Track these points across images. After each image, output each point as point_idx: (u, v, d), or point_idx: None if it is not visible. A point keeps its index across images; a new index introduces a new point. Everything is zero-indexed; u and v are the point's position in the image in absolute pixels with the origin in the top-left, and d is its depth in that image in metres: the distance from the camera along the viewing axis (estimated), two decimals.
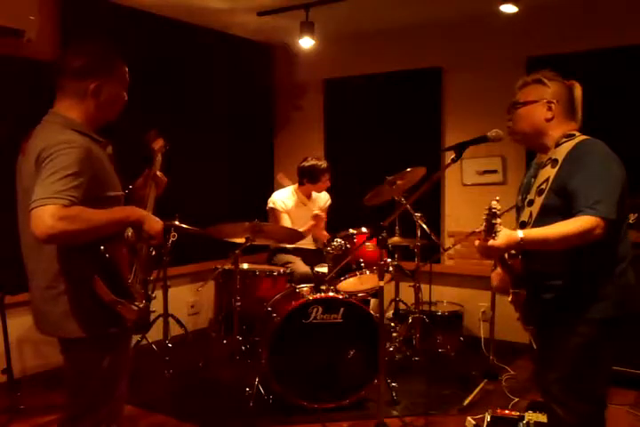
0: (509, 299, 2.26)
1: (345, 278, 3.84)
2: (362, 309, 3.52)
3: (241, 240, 3.66)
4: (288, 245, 4.48)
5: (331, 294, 3.54)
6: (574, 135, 2.16)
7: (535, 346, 2.34)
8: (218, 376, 3.91)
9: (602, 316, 2.08)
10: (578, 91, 2.23)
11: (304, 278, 4.05)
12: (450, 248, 4.66)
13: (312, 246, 4.64)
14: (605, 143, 2.14)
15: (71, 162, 1.81)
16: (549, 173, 2.11)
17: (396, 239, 4.32)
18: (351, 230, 3.96)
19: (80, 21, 4.15)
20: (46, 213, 1.71)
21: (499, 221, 1.96)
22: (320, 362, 3.46)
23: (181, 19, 4.86)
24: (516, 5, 3.98)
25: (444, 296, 4.94)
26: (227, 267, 3.97)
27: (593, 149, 2.09)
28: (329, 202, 4.71)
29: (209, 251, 4.86)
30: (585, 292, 2.10)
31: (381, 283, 2.95)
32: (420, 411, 3.45)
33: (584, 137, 2.15)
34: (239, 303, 3.62)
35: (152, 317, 3.55)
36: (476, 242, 2.07)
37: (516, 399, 3.56)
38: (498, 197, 1.98)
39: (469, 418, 3.25)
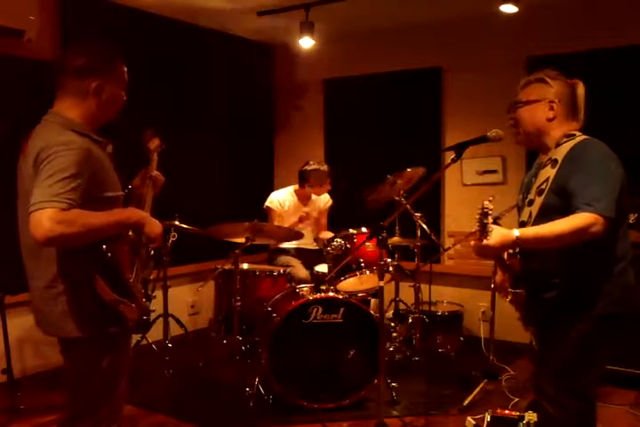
0: (508, 299, 2.27)
1: (345, 278, 3.84)
2: (362, 309, 3.52)
3: (241, 240, 3.66)
4: (288, 245, 4.49)
5: (331, 294, 3.54)
6: (574, 135, 2.16)
7: (536, 346, 2.34)
8: (218, 376, 3.91)
9: (599, 312, 2.08)
10: (580, 90, 2.22)
11: (303, 283, 4.05)
12: (450, 248, 4.66)
13: (312, 246, 4.64)
14: (606, 143, 2.14)
15: (69, 164, 1.80)
16: (549, 173, 2.11)
17: (396, 239, 4.32)
18: (351, 230, 3.96)
19: (80, 21, 4.15)
20: (44, 217, 1.71)
21: (490, 220, 1.96)
22: (320, 362, 3.46)
23: (181, 19, 4.86)
24: (516, 5, 3.98)
25: (444, 296, 4.94)
26: (227, 267, 3.96)
27: (592, 149, 2.09)
28: (330, 203, 4.71)
29: (209, 251, 4.86)
30: (583, 290, 2.10)
31: (381, 283, 2.94)
32: (420, 411, 3.45)
33: (584, 137, 2.15)
34: (239, 303, 3.63)
35: (152, 317, 3.56)
36: (472, 242, 2.07)
37: (516, 399, 3.56)
38: (491, 197, 1.98)
39: (469, 418, 3.25)
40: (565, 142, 2.14)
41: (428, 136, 5.11)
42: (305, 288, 3.70)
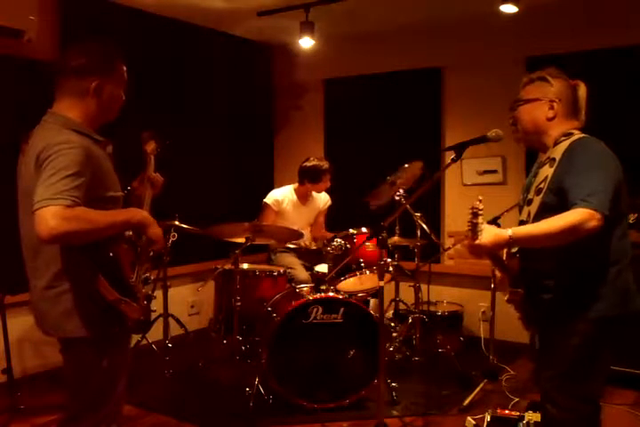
0: (506, 298, 2.27)
1: (345, 278, 3.84)
2: (362, 309, 3.52)
3: (241, 240, 3.66)
4: (288, 245, 4.48)
5: (331, 294, 3.54)
6: (572, 134, 2.16)
7: (537, 346, 2.34)
8: (218, 376, 3.91)
9: (598, 315, 2.07)
10: (582, 90, 2.22)
11: (303, 284, 4.05)
12: (450, 248, 4.67)
13: (312, 246, 4.64)
14: (606, 143, 2.13)
15: (71, 162, 1.81)
16: (547, 172, 2.11)
17: (396, 239, 4.31)
18: (351, 230, 3.96)
19: (80, 21, 4.15)
20: (50, 214, 1.71)
21: (480, 220, 1.96)
22: (320, 362, 3.46)
23: (181, 19, 4.86)
24: (516, 5, 3.98)
25: (444, 296, 4.94)
26: (227, 267, 3.96)
27: (588, 147, 2.09)
28: (329, 203, 4.71)
29: (209, 251, 4.86)
30: (581, 291, 2.10)
31: (381, 283, 2.94)
32: (419, 411, 3.45)
33: (581, 135, 2.15)
34: (239, 303, 3.62)
35: (152, 316, 3.56)
36: (465, 242, 2.07)
37: (516, 399, 3.56)
38: (480, 198, 1.98)
39: (469, 418, 3.25)
40: (563, 141, 2.14)
41: (428, 136, 5.10)
42: (305, 288, 3.70)
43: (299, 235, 3.84)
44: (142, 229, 2.02)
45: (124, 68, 2.12)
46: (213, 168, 5.22)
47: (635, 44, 4.17)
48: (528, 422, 2.81)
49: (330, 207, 4.74)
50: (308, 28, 4.55)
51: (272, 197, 4.48)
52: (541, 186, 2.12)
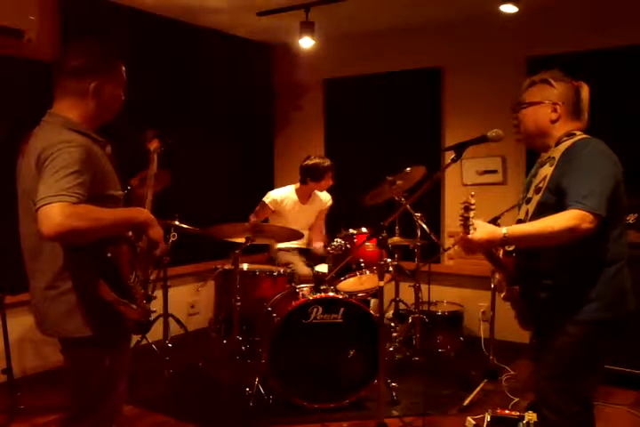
0: (502, 295, 2.27)
1: (345, 278, 3.84)
2: (362, 309, 3.52)
3: (241, 240, 3.66)
4: (288, 245, 4.49)
5: (331, 294, 3.54)
6: (574, 134, 2.16)
7: (534, 344, 2.35)
8: (218, 376, 3.91)
9: (592, 318, 2.08)
10: (585, 92, 2.22)
11: (305, 279, 4.05)
12: (450, 248, 4.67)
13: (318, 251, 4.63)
14: (606, 143, 2.14)
15: (73, 160, 1.80)
16: (547, 171, 2.12)
17: (396, 239, 4.32)
18: (351, 230, 3.96)
19: (80, 21, 4.15)
20: (54, 211, 1.70)
21: (472, 214, 1.96)
22: (320, 362, 3.46)
23: (181, 19, 4.86)
24: (516, 5, 3.98)
25: (444, 296, 4.94)
26: (227, 267, 3.96)
27: (588, 148, 2.09)
28: (330, 203, 4.70)
29: (209, 251, 4.86)
30: (577, 291, 2.10)
31: (381, 283, 2.94)
32: (420, 411, 3.44)
33: (583, 136, 2.16)
34: (239, 303, 3.62)
35: (152, 317, 3.56)
36: (458, 236, 2.07)
37: (516, 399, 3.56)
38: (472, 193, 1.98)
39: (469, 418, 3.25)
40: (565, 141, 2.15)
41: (428, 136, 5.11)
42: (305, 288, 3.70)
43: (299, 235, 3.84)
44: (144, 230, 2.01)
45: (124, 69, 2.12)
46: (213, 168, 5.22)
47: (635, 44, 4.17)
48: (528, 423, 2.81)
49: (330, 207, 4.74)
50: (307, 28, 4.55)
51: (270, 197, 4.48)
52: (540, 185, 2.13)
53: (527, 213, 2.17)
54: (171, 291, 4.18)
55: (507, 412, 3.02)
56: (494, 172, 4.81)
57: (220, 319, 4.02)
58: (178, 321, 4.33)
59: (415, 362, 4.20)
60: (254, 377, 3.50)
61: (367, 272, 3.85)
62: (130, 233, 2.02)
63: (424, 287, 4.36)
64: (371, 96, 5.36)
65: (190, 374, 4.03)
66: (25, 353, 4.02)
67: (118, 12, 4.41)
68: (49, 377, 3.93)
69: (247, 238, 3.62)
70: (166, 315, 4.14)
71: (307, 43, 4.66)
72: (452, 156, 2.50)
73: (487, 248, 2.14)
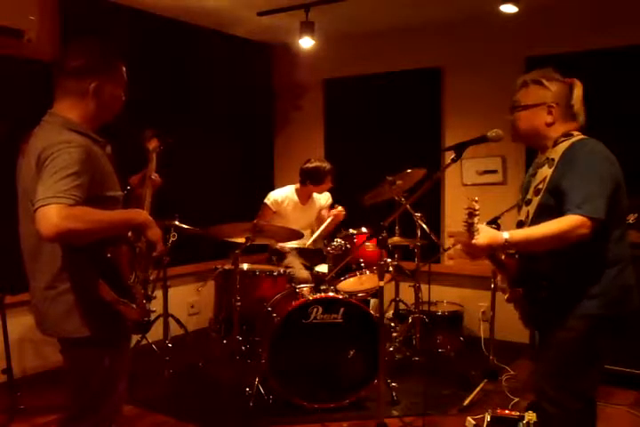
0: (506, 297, 2.27)
1: (345, 278, 3.84)
2: (362, 309, 3.52)
3: (241, 240, 3.66)
4: (288, 245, 4.48)
5: (331, 294, 3.54)
6: (572, 135, 2.16)
7: (537, 345, 2.35)
8: (218, 376, 3.91)
9: (593, 313, 2.09)
10: (578, 90, 2.22)
11: (303, 283, 4.05)
12: (450, 248, 4.67)
13: (312, 246, 4.64)
14: (606, 143, 2.14)
15: (72, 161, 1.81)
16: (546, 172, 2.12)
17: (396, 239, 4.32)
18: (351, 230, 3.96)
19: (80, 21, 4.15)
20: (51, 213, 1.71)
21: (476, 220, 1.97)
22: (320, 362, 3.46)
23: (181, 19, 4.86)
24: (516, 5, 3.98)
25: (444, 296, 4.94)
26: (227, 267, 3.96)
27: (586, 149, 2.09)
28: (330, 200, 4.71)
29: (209, 251, 4.86)
30: (578, 290, 2.10)
31: (381, 283, 2.94)
32: (419, 411, 3.43)
33: (581, 137, 2.16)
34: (239, 303, 3.62)
35: (152, 317, 3.56)
36: (461, 241, 2.07)
37: (516, 399, 3.56)
38: (476, 198, 1.98)
39: (469, 418, 3.25)
40: (563, 142, 2.15)
41: (428, 136, 5.10)
42: (305, 288, 3.70)
43: (299, 235, 3.84)
44: (143, 231, 2.02)
45: (124, 69, 2.12)
46: (213, 168, 5.22)
47: (635, 44, 4.17)
48: (528, 423, 2.81)
49: (331, 204, 4.73)
50: (308, 28, 4.55)
51: (271, 198, 4.48)
52: (540, 186, 2.13)
53: (528, 214, 2.17)
54: (171, 291, 4.18)
55: (507, 412, 3.02)
56: (494, 172, 4.81)
57: (220, 319, 4.02)
58: (178, 321, 4.33)
59: (415, 362, 4.20)
60: (254, 377, 3.50)
61: (367, 272, 3.85)
62: (129, 233, 2.02)
63: (424, 287, 4.36)
64: (371, 96, 5.36)
65: (190, 374, 4.03)
66: (25, 353, 4.02)
67: (118, 12, 4.41)
68: (49, 377, 3.93)
69: (247, 238, 3.62)
70: (166, 315, 4.14)
71: (307, 43, 4.66)
72: (452, 156, 2.50)
73: (489, 253, 2.14)
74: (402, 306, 4.75)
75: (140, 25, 4.60)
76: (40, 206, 1.73)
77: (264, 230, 3.64)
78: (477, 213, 1.97)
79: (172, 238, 3.85)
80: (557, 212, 2.03)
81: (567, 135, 2.16)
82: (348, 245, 3.82)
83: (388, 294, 4.28)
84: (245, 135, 5.62)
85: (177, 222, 3.93)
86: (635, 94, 4.22)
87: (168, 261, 4.01)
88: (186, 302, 5.12)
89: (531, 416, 2.79)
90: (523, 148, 4.34)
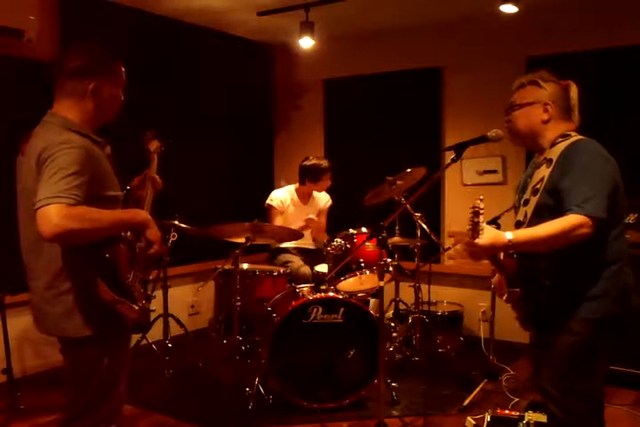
0: (504, 298, 2.27)
1: (345, 278, 3.84)
2: (362, 309, 3.52)
3: (241, 240, 3.66)
4: (288, 245, 4.49)
5: (331, 294, 3.54)
6: (569, 135, 2.18)
7: (534, 346, 2.35)
8: (218, 376, 3.91)
9: (595, 315, 2.09)
10: (574, 91, 2.24)
11: (304, 278, 4.06)
12: (450, 248, 4.67)
13: (312, 246, 4.64)
14: (605, 144, 2.14)
15: (72, 161, 1.81)
16: (544, 172, 2.13)
17: (396, 239, 4.32)
18: (351, 230, 3.96)
19: (80, 21, 4.15)
20: (52, 212, 1.72)
21: (481, 219, 1.97)
22: (320, 362, 3.46)
23: (181, 19, 4.86)
24: (516, 5, 3.98)
25: (444, 296, 4.94)
26: (227, 267, 3.96)
27: (585, 149, 2.10)
28: (329, 203, 4.71)
29: (209, 251, 4.86)
30: (578, 291, 2.11)
31: (381, 283, 2.95)
32: (420, 411, 3.44)
33: (579, 137, 2.17)
34: (239, 303, 3.62)
35: (152, 317, 3.56)
36: (464, 241, 2.07)
37: (516, 399, 3.56)
38: (481, 197, 1.99)
39: (469, 418, 3.25)
40: (560, 142, 2.16)
41: (428, 136, 5.10)
42: (305, 288, 3.70)
43: (299, 235, 3.84)
44: (142, 231, 2.02)
45: (123, 69, 2.12)
46: (213, 168, 5.22)
47: (634, 44, 4.17)
48: (528, 423, 2.81)
49: (330, 207, 4.74)
50: (308, 28, 4.55)
51: (275, 198, 4.48)
52: (538, 186, 2.13)
53: (526, 214, 2.17)
54: (171, 291, 4.18)
55: (507, 412, 3.02)
56: (494, 172, 4.81)
57: (220, 319, 4.03)
58: (178, 321, 4.33)
59: (415, 362, 4.19)
60: (254, 377, 3.50)
61: (367, 272, 3.85)
62: (129, 233, 2.02)
63: (424, 287, 4.36)
64: (371, 96, 5.36)
65: (190, 374, 4.02)
66: (25, 353, 4.02)
67: (118, 12, 4.41)
68: (49, 377, 3.93)
69: (247, 238, 3.62)
70: (166, 315, 4.14)
71: (307, 43, 4.66)
72: (452, 156, 2.50)
73: (491, 253, 2.14)
74: (402, 306, 4.75)
75: (140, 25, 4.60)
76: (41, 206, 1.73)
77: (264, 230, 3.64)
78: (482, 211, 1.97)
79: (172, 238, 3.85)
80: (556, 212, 2.03)
81: (564, 136, 2.17)
82: (348, 245, 3.82)
83: (388, 294, 4.28)
84: (245, 135, 5.62)
85: (177, 222, 3.94)
86: (635, 94, 4.22)
87: (168, 262, 4.01)
88: (186, 302, 5.12)
89: (531, 416, 2.79)
90: (523, 148, 4.33)
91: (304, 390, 3.43)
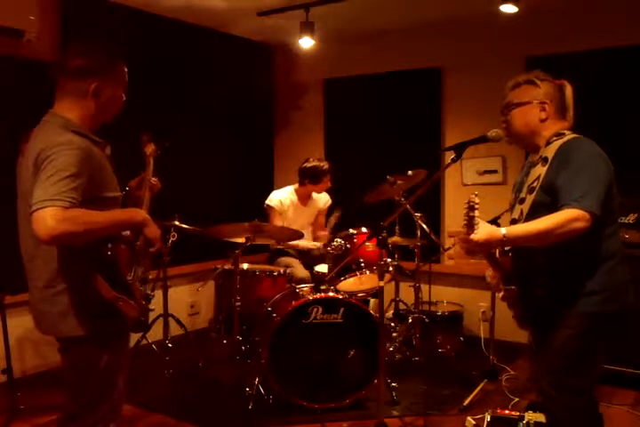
0: (500, 295, 2.28)
1: (345, 278, 3.84)
2: (362, 309, 3.52)
3: (241, 240, 3.66)
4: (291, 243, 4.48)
5: (331, 294, 3.54)
6: (564, 134, 2.20)
7: (533, 345, 2.35)
8: (218, 376, 3.91)
9: (592, 310, 2.10)
10: (568, 90, 2.26)
11: (303, 282, 4.05)
12: (450, 248, 4.66)
13: (312, 247, 4.64)
14: (604, 144, 2.16)
15: (70, 163, 1.81)
16: (540, 171, 2.14)
17: (395, 239, 4.32)
18: (351, 230, 3.96)
19: (80, 21, 4.15)
20: (48, 215, 1.72)
21: (477, 213, 1.98)
22: (320, 362, 3.46)
23: (181, 19, 4.86)
24: (516, 5, 3.98)
25: (444, 296, 4.94)
26: (227, 267, 3.96)
27: (580, 148, 2.12)
28: (329, 203, 4.71)
29: (209, 251, 4.86)
30: (573, 288, 2.12)
31: (381, 283, 2.95)
32: (419, 411, 3.44)
33: (573, 135, 2.19)
34: (239, 303, 3.62)
35: (152, 316, 3.56)
36: (459, 236, 2.08)
37: (516, 399, 3.56)
38: (476, 192, 1.99)
39: (469, 418, 3.25)
40: (555, 141, 2.18)
41: (428, 136, 5.10)
42: (305, 288, 3.70)
43: (299, 235, 3.84)
44: (141, 229, 2.02)
45: (125, 70, 2.12)
46: (213, 168, 5.22)
47: (634, 44, 4.17)
48: (528, 423, 2.81)
49: (330, 207, 4.74)
50: (308, 28, 4.55)
51: (275, 199, 4.48)
52: (534, 185, 2.15)
53: (522, 212, 2.19)
54: (171, 291, 4.18)
55: (507, 412, 3.02)
56: (494, 172, 4.81)
57: (220, 319, 4.03)
58: (178, 321, 4.33)
59: (415, 362, 4.19)
60: (254, 377, 3.50)
61: (367, 272, 3.85)
62: (128, 232, 2.02)
63: (424, 287, 4.36)
64: (371, 96, 5.36)
65: (190, 374, 4.02)
66: (25, 353, 4.02)
67: (118, 12, 4.41)
68: (49, 377, 3.93)
69: (247, 238, 3.62)
70: (166, 315, 4.14)
71: (307, 43, 4.66)
72: (452, 156, 2.50)
73: (486, 249, 2.15)
74: (402, 306, 4.75)
75: (140, 25, 4.60)
76: (36, 209, 1.73)
77: (264, 230, 3.64)
78: (477, 206, 1.98)
79: (171, 238, 3.85)
80: (552, 209, 2.05)
81: (559, 134, 2.20)
82: (348, 245, 3.82)
83: (388, 294, 4.28)
84: (245, 135, 5.62)
85: (177, 222, 3.94)
86: (634, 94, 4.22)
87: (168, 262, 4.01)
88: (186, 302, 5.12)
89: (531, 416, 2.79)
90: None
91: (304, 391, 3.43)
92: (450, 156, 2.53)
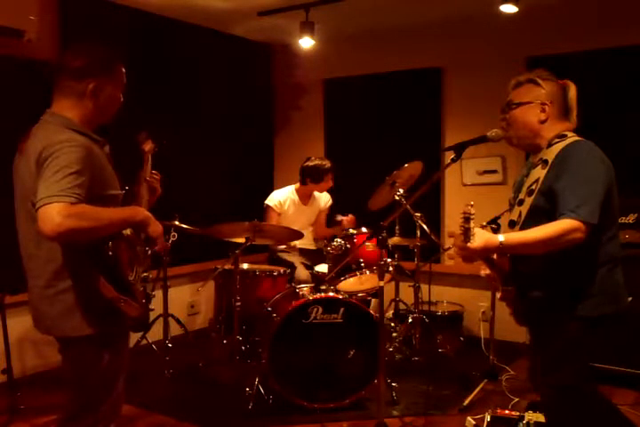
0: (498, 296, 2.28)
1: (345, 278, 3.84)
2: (362, 309, 3.52)
3: (241, 240, 3.66)
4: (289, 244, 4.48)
5: (331, 294, 3.54)
6: (566, 136, 2.17)
7: (529, 342, 2.36)
8: (218, 376, 3.91)
9: (589, 313, 2.10)
10: (572, 91, 2.24)
11: (304, 284, 4.05)
12: (450, 248, 4.64)
13: (312, 246, 4.64)
14: (605, 144, 2.15)
15: (73, 160, 1.82)
16: (539, 173, 2.13)
17: (396, 239, 4.31)
18: (351, 230, 3.96)
19: (80, 21, 4.15)
20: (54, 211, 1.72)
21: (472, 224, 1.98)
22: (320, 362, 3.46)
23: (181, 19, 4.86)
24: (516, 5, 3.98)
25: (444, 296, 4.94)
26: (227, 267, 3.96)
27: (580, 151, 2.10)
28: (330, 202, 4.71)
29: (209, 251, 4.86)
30: (571, 290, 2.12)
31: (381, 283, 2.95)
32: (419, 411, 3.44)
33: (575, 138, 2.16)
34: (239, 303, 3.62)
35: (152, 316, 3.56)
36: (456, 244, 2.08)
37: (516, 399, 3.56)
38: (472, 202, 1.99)
39: (469, 418, 3.25)
40: (557, 143, 2.15)
41: (428, 136, 5.10)
42: (305, 288, 3.70)
43: (299, 235, 3.84)
44: (143, 228, 2.02)
45: (123, 70, 2.12)
46: (213, 168, 5.22)
47: (634, 44, 4.17)
48: (528, 423, 2.81)
49: (331, 207, 4.74)
50: (308, 28, 4.55)
51: (274, 199, 4.48)
52: (533, 187, 2.14)
53: (520, 214, 2.18)
54: (171, 291, 4.18)
55: (507, 412, 3.02)
56: (494, 172, 4.81)
57: (220, 319, 4.03)
58: (178, 321, 4.33)
59: (415, 362, 4.20)
60: (254, 377, 3.50)
61: (367, 272, 3.85)
62: (129, 231, 2.02)
63: (424, 287, 4.36)
64: (371, 96, 5.35)
65: (190, 374, 4.02)
66: (25, 353, 4.02)
67: (118, 12, 4.40)
68: (49, 377, 3.93)
69: (247, 238, 3.62)
70: (166, 315, 4.14)
71: (307, 43, 4.66)
72: (452, 156, 2.50)
73: (483, 256, 2.15)
74: (402, 306, 4.75)
75: (140, 25, 4.60)
76: (42, 205, 1.74)
77: (264, 230, 3.64)
78: (473, 217, 1.98)
79: (172, 238, 3.85)
80: (550, 213, 2.04)
81: (561, 136, 2.17)
82: (348, 245, 3.82)
83: (388, 294, 4.27)
84: (245, 135, 5.61)
85: (177, 222, 3.94)
86: (635, 94, 4.21)
87: (168, 262, 4.01)
88: (186, 301, 5.12)
89: (531, 416, 2.79)
90: None
91: (304, 391, 3.43)
92: (450, 156, 2.53)
